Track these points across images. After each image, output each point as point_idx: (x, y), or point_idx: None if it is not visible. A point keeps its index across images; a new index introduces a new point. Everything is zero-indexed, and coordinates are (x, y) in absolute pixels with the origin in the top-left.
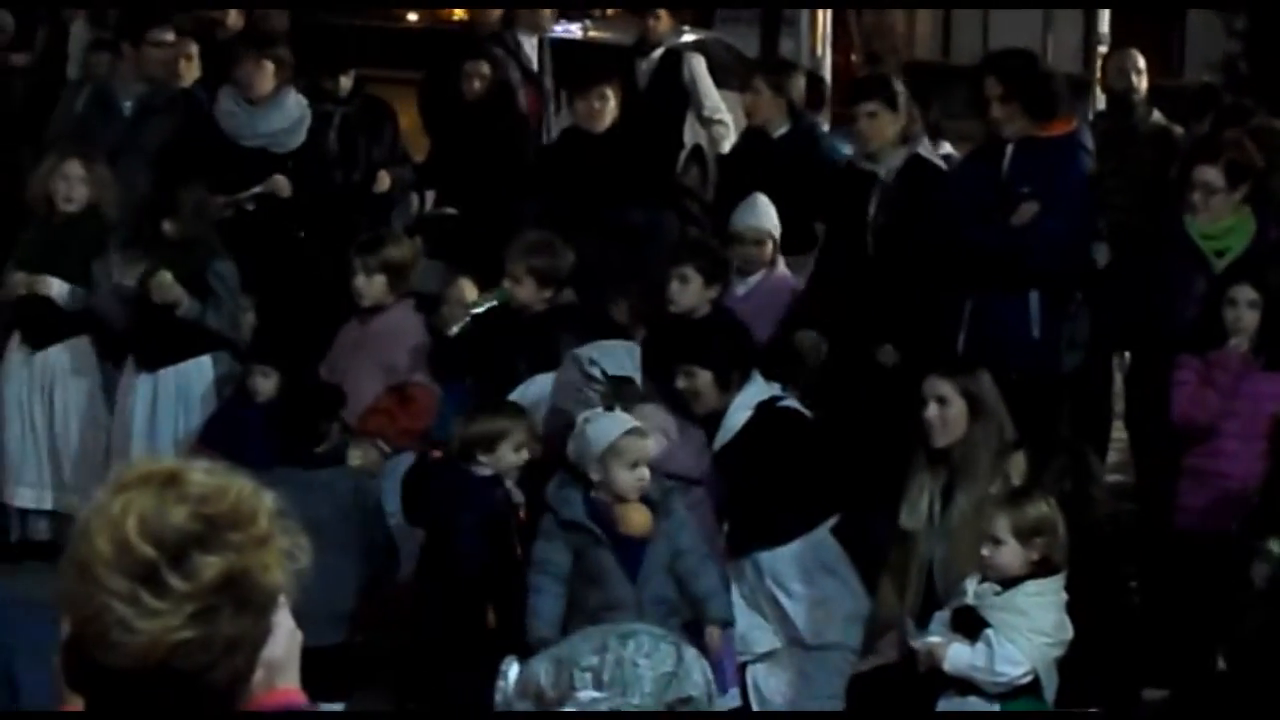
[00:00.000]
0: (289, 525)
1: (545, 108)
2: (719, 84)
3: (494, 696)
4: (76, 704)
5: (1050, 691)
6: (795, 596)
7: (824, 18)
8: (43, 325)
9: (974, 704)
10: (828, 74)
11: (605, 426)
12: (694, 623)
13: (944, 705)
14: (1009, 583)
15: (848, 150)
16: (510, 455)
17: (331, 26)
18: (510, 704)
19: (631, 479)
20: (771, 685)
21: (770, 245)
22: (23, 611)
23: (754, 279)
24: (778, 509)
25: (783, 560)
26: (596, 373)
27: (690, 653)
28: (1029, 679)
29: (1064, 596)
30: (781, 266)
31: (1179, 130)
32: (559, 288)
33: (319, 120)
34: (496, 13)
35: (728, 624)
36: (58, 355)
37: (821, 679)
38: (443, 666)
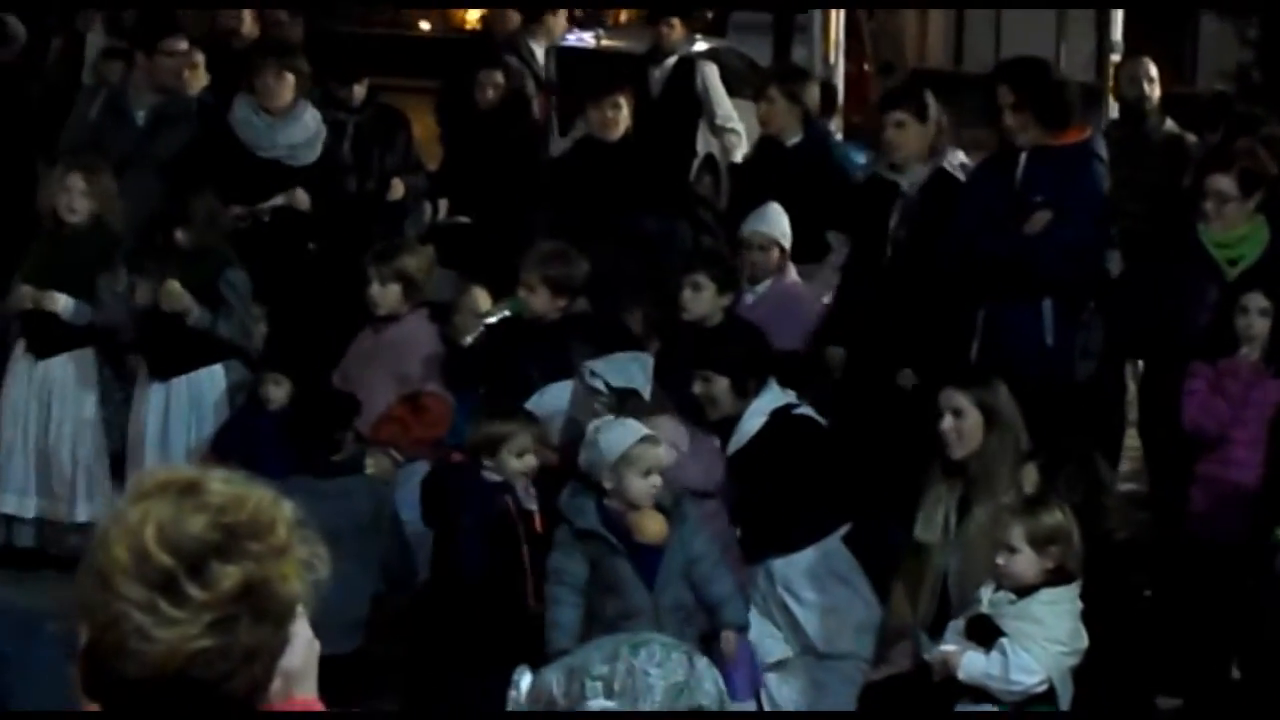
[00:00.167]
0: (308, 535)
1: (548, 117)
2: (732, 92)
3: (505, 705)
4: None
5: (1065, 700)
6: (807, 605)
7: (837, 26)
8: (47, 336)
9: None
10: (840, 82)
11: (618, 435)
12: (712, 629)
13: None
14: (1024, 591)
15: (860, 159)
16: (512, 461)
17: (345, 35)
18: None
19: (645, 486)
20: (784, 694)
21: (778, 252)
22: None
23: (763, 287)
24: (790, 516)
25: (795, 568)
26: (599, 385)
27: (702, 662)
28: (1044, 688)
29: (1079, 605)
30: (792, 274)
31: (1191, 139)
32: (573, 297)
33: (332, 129)
34: (512, 21)
35: (743, 628)
36: (60, 366)
37: (834, 688)
38: (451, 672)
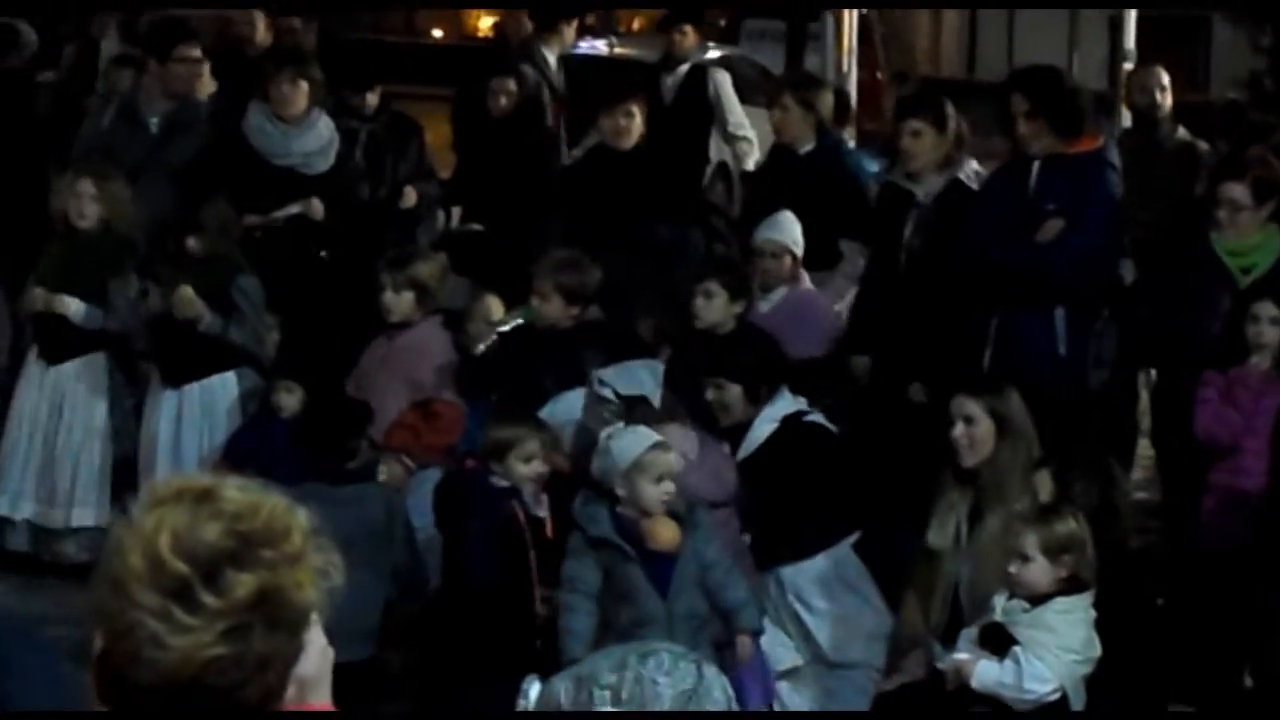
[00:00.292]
0: (322, 542)
1: (558, 125)
2: (744, 100)
3: (514, 712)
4: None
5: (1078, 709)
6: (817, 613)
7: (850, 34)
8: (59, 341)
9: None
10: (853, 91)
11: (629, 442)
12: (726, 637)
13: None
14: (1037, 600)
15: (873, 167)
16: (520, 466)
17: (358, 43)
18: None
19: (657, 493)
20: (796, 702)
21: (790, 260)
22: None
23: (777, 294)
24: (799, 523)
25: (805, 576)
26: (608, 393)
27: (710, 670)
28: (1057, 696)
29: (1092, 614)
30: (806, 281)
31: (1204, 146)
32: (585, 305)
33: (346, 137)
34: (526, 27)
35: (758, 633)
36: (70, 371)
37: (847, 697)
38: (461, 679)
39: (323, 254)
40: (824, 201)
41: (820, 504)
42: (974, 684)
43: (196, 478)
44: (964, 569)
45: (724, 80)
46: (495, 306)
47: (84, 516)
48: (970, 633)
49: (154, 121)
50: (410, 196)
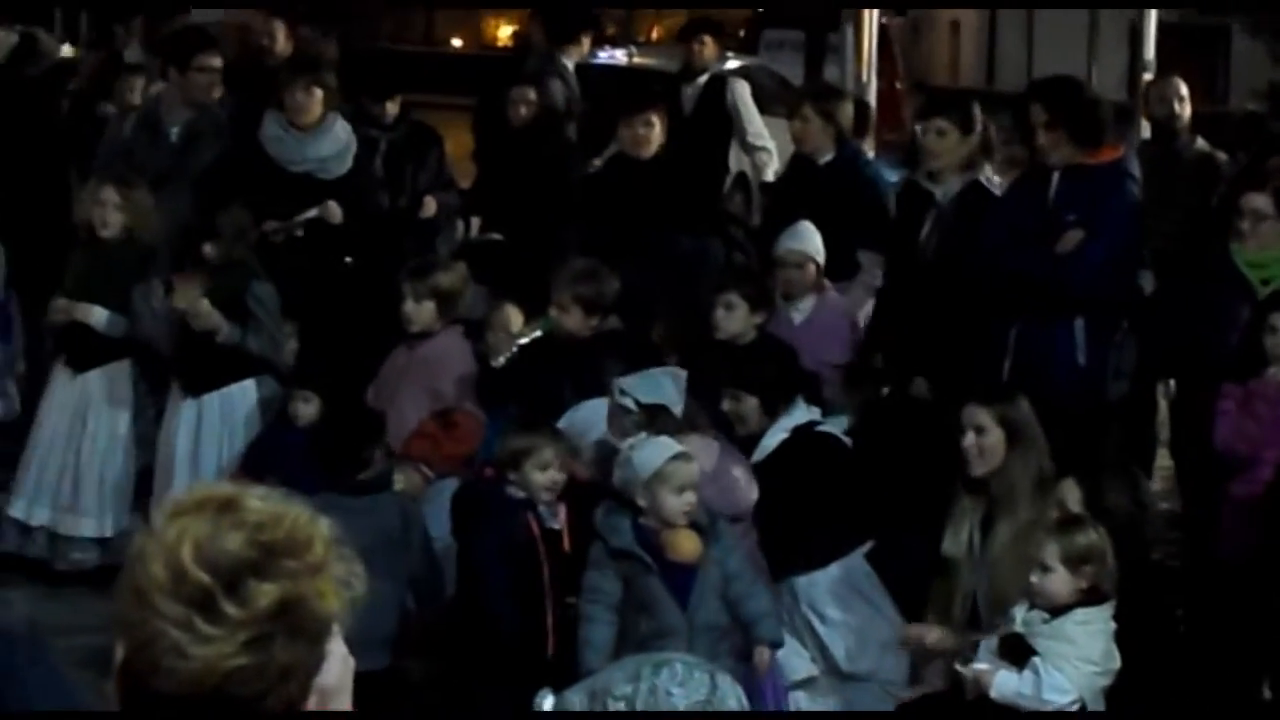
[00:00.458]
0: (344, 552)
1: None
2: (763, 110)
3: None
4: None
5: None
6: (830, 623)
7: (869, 44)
8: (84, 349)
9: None
10: (873, 101)
11: (650, 452)
12: (745, 647)
13: None
14: (1057, 610)
15: (892, 177)
16: (536, 475)
17: (378, 52)
18: None
19: (679, 504)
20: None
21: (813, 269)
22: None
23: (807, 304)
24: (811, 533)
25: (818, 586)
26: (628, 402)
27: (725, 680)
28: (1076, 708)
29: (1112, 625)
30: (831, 289)
31: (1223, 157)
32: (604, 314)
33: (365, 146)
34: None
35: (777, 645)
36: (95, 379)
37: (866, 707)
38: (477, 690)
39: (348, 260)
40: (843, 212)
41: (832, 514)
42: (993, 694)
43: (219, 487)
44: (980, 579)
45: (743, 90)
46: (514, 316)
47: (105, 525)
48: (990, 643)
49: (175, 131)
50: (430, 206)
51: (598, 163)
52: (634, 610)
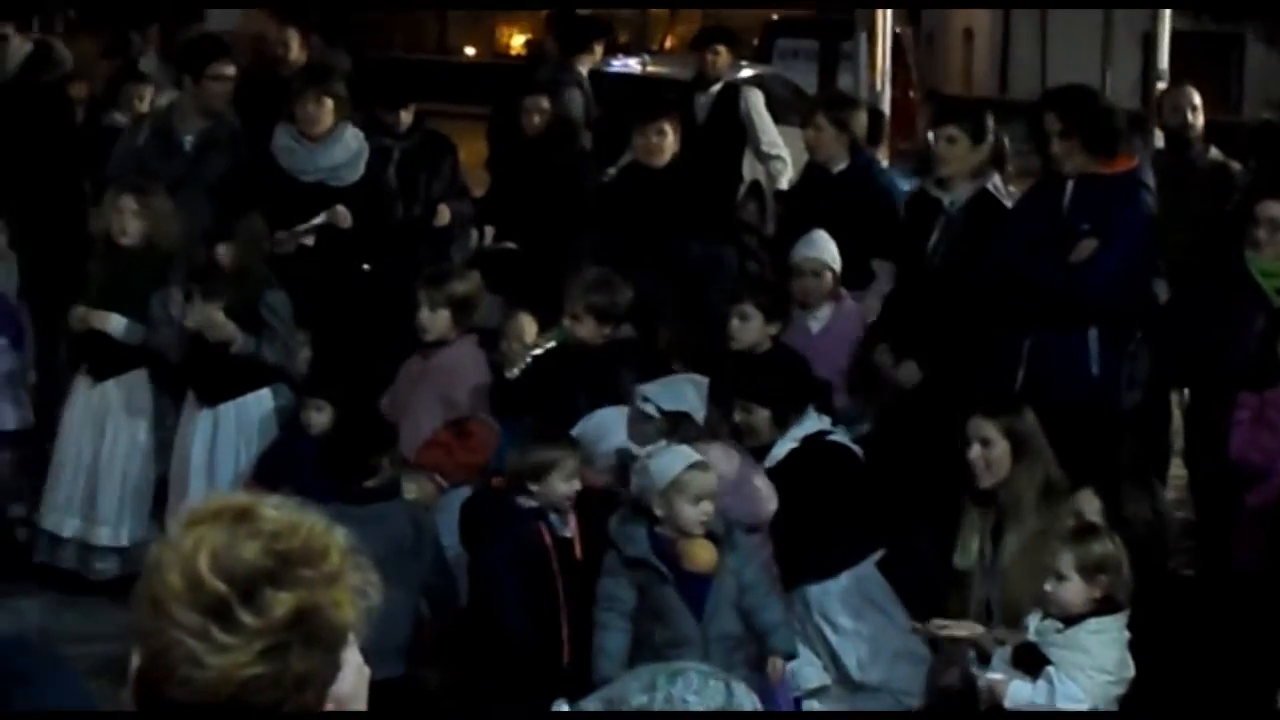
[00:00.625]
0: (360, 561)
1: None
2: (777, 119)
3: None
4: None
5: None
6: (843, 632)
7: (883, 53)
8: (103, 358)
9: None
10: (886, 109)
11: (668, 461)
12: (759, 657)
13: None
14: (1071, 620)
15: (906, 186)
16: (561, 485)
17: (391, 61)
18: None
19: (695, 514)
20: None
21: (830, 277)
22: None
23: (824, 312)
24: (822, 542)
25: (830, 595)
26: (651, 409)
27: (740, 688)
28: None
29: (1127, 635)
30: (848, 297)
31: (1236, 167)
32: (618, 323)
33: (379, 155)
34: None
35: (791, 656)
36: (113, 388)
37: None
38: (491, 700)
39: (366, 267)
40: (857, 221)
41: (842, 523)
42: (1007, 704)
43: (235, 497)
44: (993, 590)
45: (757, 99)
46: (528, 325)
47: (125, 534)
48: (1004, 652)
49: (189, 139)
50: (444, 215)
51: (612, 171)
52: (649, 619)
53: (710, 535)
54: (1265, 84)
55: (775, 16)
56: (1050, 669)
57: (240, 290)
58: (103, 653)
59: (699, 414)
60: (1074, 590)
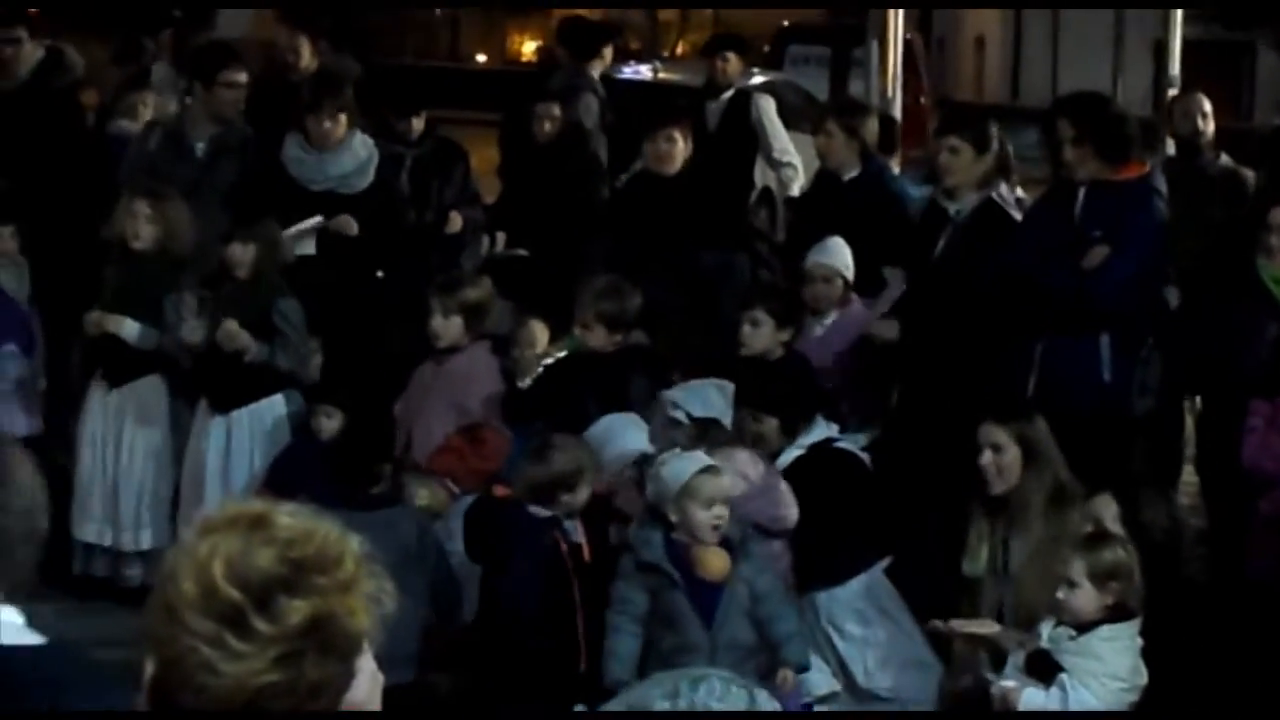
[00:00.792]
0: (374, 569)
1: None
2: (788, 126)
3: None
4: None
5: None
6: (850, 638)
7: (894, 60)
8: (118, 363)
9: None
10: (898, 116)
11: (679, 466)
12: (770, 667)
13: None
14: (1084, 627)
15: (917, 193)
16: (585, 492)
17: (402, 68)
18: None
19: (707, 518)
20: None
21: (841, 284)
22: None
23: (829, 319)
24: (828, 549)
25: (838, 602)
26: (680, 415)
27: (762, 695)
28: None
29: (1139, 641)
30: (857, 304)
31: (1247, 173)
32: (628, 330)
33: (390, 162)
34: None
35: (803, 669)
36: (128, 393)
37: None
38: (507, 707)
39: (379, 274)
40: (868, 228)
41: (849, 530)
42: (1020, 710)
43: (249, 504)
44: (1005, 596)
45: (768, 106)
46: (540, 332)
47: (147, 538)
48: (1017, 660)
49: (200, 146)
50: (455, 221)
51: (624, 178)
52: (659, 624)
53: (725, 543)
54: (1276, 91)
55: (786, 23)
56: (1063, 676)
57: (254, 298)
58: (114, 659)
59: (726, 419)
60: (1086, 597)
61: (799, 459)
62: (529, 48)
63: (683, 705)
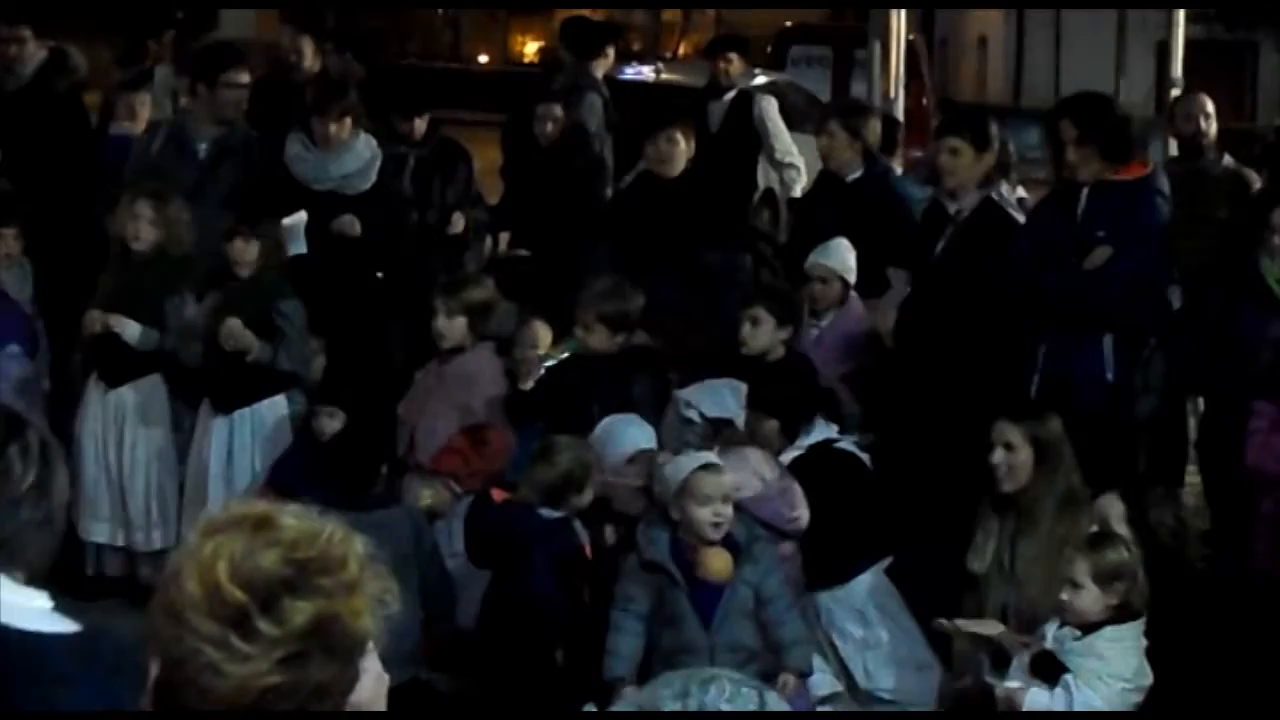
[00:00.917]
0: (378, 570)
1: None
2: (791, 126)
3: None
4: None
5: None
6: (850, 639)
7: (897, 61)
8: (117, 363)
9: None
10: (900, 117)
11: (678, 465)
12: (773, 671)
13: None
14: (1088, 628)
15: (919, 194)
16: (591, 492)
17: (405, 69)
18: None
19: (707, 515)
20: None
21: (840, 285)
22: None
23: (826, 319)
24: (829, 549)
25: (839, 602)
26: (694, 415)
27: (772, 697)
28: None
29: (1144, 642)
30: (856, 305)
31: (1250, 174)
32: (630, 331)
33: (393, 163)
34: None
35: (805, 674)
36: (129, 394)
37: None
38: (517, 707)
39: (380, 275)
40: (871, 229)
41: (850, 530)
42: (1024, 711)
43: (253, 505)
44: (1010, 596)
45: (770, 107)
46: (543, 333)
47: (158, 538)
48: (1021, 661)
49: (203, 147)
50: (458, 222)
51: (627, 179)
52: (660, 623)
53: (730, 544)
54: (1279, 91)
55: (789, 24)
56: (1068, 677)
57: (256, 298)
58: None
59: (739, 418)
60: (1090, 598)
61: (799, 459)
62: (531, 48)
63: (692, 706)
